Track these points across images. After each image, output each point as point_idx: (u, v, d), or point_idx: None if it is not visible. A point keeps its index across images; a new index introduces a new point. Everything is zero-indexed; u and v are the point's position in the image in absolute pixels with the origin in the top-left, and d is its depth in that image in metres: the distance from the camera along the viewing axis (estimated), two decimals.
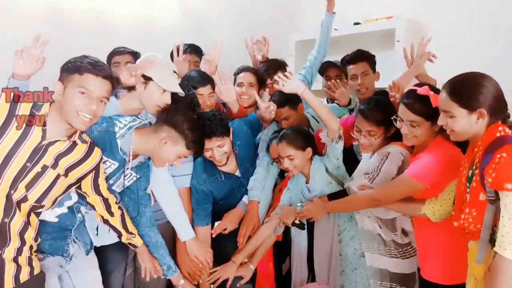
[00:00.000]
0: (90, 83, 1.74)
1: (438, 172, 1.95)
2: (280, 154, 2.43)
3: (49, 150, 1.73)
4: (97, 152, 1.91)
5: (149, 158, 2.26)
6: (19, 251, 1.73)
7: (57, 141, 1.76)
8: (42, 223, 1.89)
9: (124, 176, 2.18)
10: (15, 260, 1.72)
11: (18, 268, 1.73)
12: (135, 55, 2.85)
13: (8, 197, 1.67)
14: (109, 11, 3.22)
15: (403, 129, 2.04)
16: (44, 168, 1.73)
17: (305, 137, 2.46)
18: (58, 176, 1.78)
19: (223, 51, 2.90)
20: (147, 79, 2.18)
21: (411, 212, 2.08)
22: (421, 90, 1.98)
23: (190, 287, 2.42)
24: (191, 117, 2.20)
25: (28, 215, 1.76)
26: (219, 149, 2.39)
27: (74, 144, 1.82)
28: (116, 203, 2.12)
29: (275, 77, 2.39)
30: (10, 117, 1.67)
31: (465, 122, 1.68)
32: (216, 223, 2.56)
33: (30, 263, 1.78)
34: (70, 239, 2.09)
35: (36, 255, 1.85)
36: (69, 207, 2.06)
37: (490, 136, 1.64)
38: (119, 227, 2.15)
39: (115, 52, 2.87)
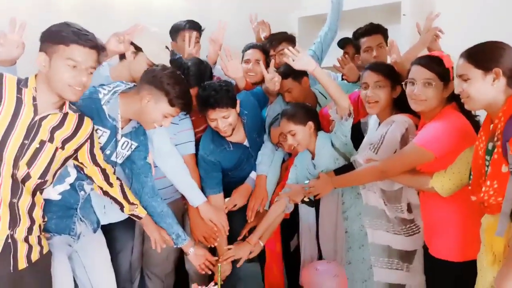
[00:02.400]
0: (78, 55, 1.69)
1: (447, 140, 1.92)
2: (283, 132, 2.42)
3: (43, 125, 1.71)
4: (88, 121, 1.89)
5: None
6: (30, 231, 1.74)
7: (49, 114, 1.74)
8: (47, 202, 1.89)
9: (122, 146, 2.14)
10: (26, 240, 1.73)
11: (29, 247, 1.74)
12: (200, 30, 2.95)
13: (13, 177, 1.67)
14: None
15: (416, 90, 2.00)
16: (42, 143, 1.71)
17: (306, 112, 2.45)
18: (56, 149, 1.76)
19: (226, 30, 2.85)
20: (137, 49, 2.16)
21: (419, 185, 2.05)
22: (435, 52, 2.01)
23: (201, 251, 2.40)
24: (170, 72, 2.11)
25: (33, 193, 1.76)
26: (224, 120, 2.37)
27: (66, 115, 1.79)
28: (113, 173, 2.10)
29: (285, 50, 2.35)
30: None
31: (480, 85, 1.65)
32: (226, 200, 2.57)
33: (39, 243, 1.79)
34: (76, 218, 2.09)
35: (43, 235, 1.85)
36: (71, 184, 2.04)
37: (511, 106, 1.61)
38: (120, 197, 2.13)
39: (184, 27, 2.95)
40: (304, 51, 2.35)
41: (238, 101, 2.43)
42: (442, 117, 1.97)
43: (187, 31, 2.95)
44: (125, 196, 2.15)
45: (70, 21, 1.75)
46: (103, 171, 2.04)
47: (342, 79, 3.01)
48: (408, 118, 2.18)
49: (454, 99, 1.97)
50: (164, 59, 2.21)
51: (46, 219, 1.90)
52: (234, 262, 2.50)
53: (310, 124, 2.41)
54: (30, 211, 1.74)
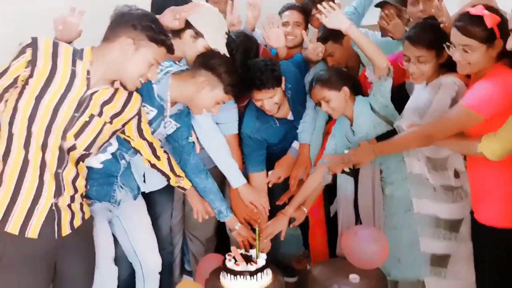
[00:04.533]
0: (161, 56, 1.78)
1: (496, 101, 1.79)
2: (317, 97, 2.34)
3: (94, 99, 1.73)
4: (136, 97, 1.89)
5: (187, 107, 2.22)
6: (72, 199, 1.78)
7: (100, 89, 1.75)
8: (88, 170, 1.93)
9: (164, 124, 2.16)
10: (69, 207, 1.77)
11: (72, 214, 1.78)
12: None
13: (60, 148, 1.69)
14: None
15: (456, 55, 1.88)
16: (91, 117, 1.73)
17: (339, 76, 2.35)
18: (104, 124, 1.78)
19: None
20: (198, 34, 2.13)
21: (467, 150, 1.93)
22: (474, 10, 1.81)
23: (246, 232, 2.43)
24: (227, 59, 2.13)
25: (77, 163, 1.79)
26: (270, 100, 2.33)
27: (116, 91, 1.80)
28: (161, 147, 2.13)
29: (319, 6, 2.25)
30: (54, 67, 1.64)
31: None
32: (269, 173, 2.55)
33: (81, 209, 1.84)
34: (117, 185, 2.14)
35: (85, 201, 1.90)
36: (112, 154, 2.08)
37: None
38: (167, 170, 2.17)
39: None
40: (339, 9, 2.23)
41: (283, 78, 2.36)
42: (491, 76, 1.83)
43: None
44: (171, 169, 2.18)
45: (153, 14, 1.82)
46: (150, 145, 2.06)
47: (382, 36, 2.88)
48: (458, 78, 2.03)
49: (506, 54, 1.81)
50: (223, 46, 2.16)
51: (88, 187, 1.94)
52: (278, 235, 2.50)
53: (345, 89, 2.31)
54: (74, 181, 1.78)
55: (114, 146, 2.07)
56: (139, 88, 1.84)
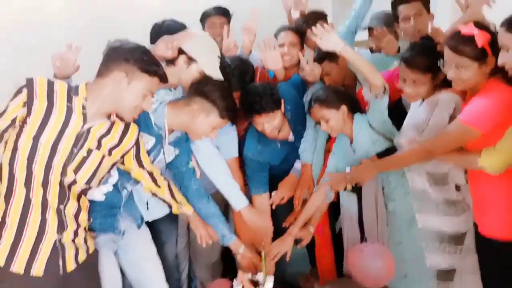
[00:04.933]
0: (155, 86, 1.79)
1: (494, 116, 1.81)
2: (316, 117, 2.35)
3: (92, 133, 1.74)
4: (133, 128, 1.91)
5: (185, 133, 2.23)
6: (76, 234, 1.78)
7: (97, 123, 1.76)
8: (91, 202, 1.93)
9: (164, 152, 2.17)
10: (73, 241, 1.77)
11: (76, 249, 1.78)
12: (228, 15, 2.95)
13: (61, 184, 1.70)
14: None
15: (449, 73, 1.91)
16: (90, 151, 1.74)
17: (337, 95, 2.34)
18: (103, 157, 1.79)
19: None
20: (191, 59, 2.15)
21: (468, 164, 1.96)
22: (465, 29, 1.84)
23: (251, 254, 2.41)
24: (221, 85, 2.14)
25: (79, 197, 1.79)
26: (270, 124, 2.33)
27: (113, 124, 1.82)
28: (161, 175, 2.13)
29: (313, 29, 2.26)
30: (50, 105, 1.66)
31: None
32: (273, 193, 2.55)
33: (86, 243, 1.84)
34: (120, 216, 2.14)
35: (89, 234, 1.90)
36: (113, 185, 2.08)
37: None
38: (168, 198, 2.17)
39: (210, 14, 2.93)
40: (332, 30, 2.25)
41: (282, 101, 2.37)
42: (486, 91, 1.86)
43: (214, 17, 2.92)
44: (173, 196, 2.18)
45: (144, 46, 1.82)
46: (150, 174, 2.06)
47: (372, 52, 2.89)
48: (454, 94, 2.06)
49: (500, 69, 1.83)
50: (217, 70, 2.18)
51: (91, 221, 1.93)
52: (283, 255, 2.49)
53: (343, 108, 2.32)
54: (76, 216, 1.78)
55: (114, 177, 2.08)
56: (136, 118, 1.85)
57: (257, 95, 2.27)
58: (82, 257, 1.80)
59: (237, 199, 2.46)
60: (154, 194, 2.14)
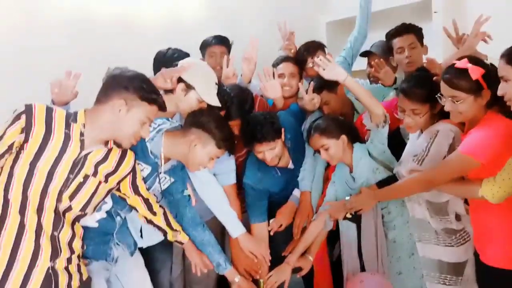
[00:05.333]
0: (153, 114, 1.81)
1: (493, 146, 1.83)
2: (315, 146, 2.36)
3: (88, 159, 1.74)
4: (130, 155, 1.91)
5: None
6: (69, 261, 1.75)
7: (94, 149, 1.76)
8: (84, 229, 1.90)
9: (159, 180, 2.16)
10: (66, 269, 1.74)
11: (70, 276, 1.75)
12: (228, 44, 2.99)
13: (56, 210, 1.69)
14: (134, 9, 3.20)
15: (447, 105, 1.94)
16: (86, 177, 1.74)
17: (337, 125, 2.37)
18: (99, 183, 1.79)
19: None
20: (189, 87, 2.17)
21: (468, 194, 1.96)
22: (459, 63, 1.88)
23: (246, 284, 2.38)
24: (217, 115, 2.16)
25: (73, 224, 1.78)
26: (270, 152, 2.34)
27: (110, 150, 1.82)
28: (157, 202, 2.12)
29: (315, 60, 2.32)
30: (48, 132, 1.66)
31: None
32: (271, 221, 2.54)
33: (79, 270, 1.81)
34: (113, 243, 2.10)
35: (82, 261, 1.87)
36: (107, 212, 2.06)
37: None
38: (163, 225, 2.16)
39: (210, 43, 2.96)
40: (335, 61, 2.30)
41: (282, 129, 2.39)
42: (485, 123, 1.89)
43: (214, 46, 2.95)
44: (168, 223, 2.17)
45: (144, 75, 1.82)
46: (146, 201, 2.06)
47: (370, 83, 2.94)
48: (453, 125, 2.08)
49: (497, 101, 1.87)
50: (215, 98, 2.20)
51: (85, 247, 1.91)
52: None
53: (343, 137, 2.34)
54: (70, 243, 1.76)
55: (108, 204, 2.05)
56: (134, 145, 1.85)
57: (258, 123, 2.29)
58: (75, 284, 1.77)
59: (234, 226, 2.44)
60: (149, 221, 2.12)
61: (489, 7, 3.04)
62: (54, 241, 1.69)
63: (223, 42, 3.00)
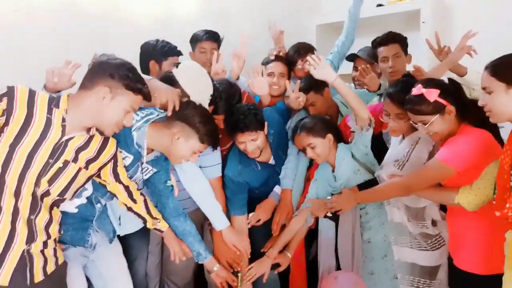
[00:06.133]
0: (138, 104, 1.79)
1: (470, 155, 1.88)
2: (302, 144, 2.40)
3: (69, 145, 1.71)
4: (112, 142, 1.90)
5: None
6: (45, 244, 1.73)
7: (76, 135, 1.74)
8: (63, 214, 1.88)
9: (142, 170, 2.15)
10: (42, 252, 1.72)
11: (45, 260, 1.73)
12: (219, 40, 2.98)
13: (33, 194, 1.66)
14: (126, 2, 3.19)
15: (420, 130, 2.04)
16: (66, 163, 1.72)
17: (324, 124, 2.42)
18: (79, 170, 1.77)
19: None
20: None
21: (445, 200, 2.02)
22: (415, 90, 1.98)
23: (225, 274, 2.41)
24: (202, 110, 2.15)
25: (51, 209, 1.76)
26: (252, 143, 2.36)
27: (91, 137, 1.80)
28: (137, 189, 2.11)
29: (308, 58, 2.35)
30: (29, 116, 1.63)
31: (503, 98, 1.63)
32: (250, 215, 2.56)
33: (55, 254, 1.79)
34: (92, 230, 2.09)
35: (59, 246, 1.85)
36: (87, 198, 2.05)
37: None
38: (144, 213, 2.15)
39: (201, 39, 2.95)
40: (323, 59, 2.33)
41: (266, 123, 2.41)
42: (462, 133, 1.96)
43: (205, 42, 2.96)
44: (148, 211, 2.16)
45: (131, 63, 1.80)
46: (127, 188, 2.05)
47: (355, 86, 2.98)
48: None
49: (469, 110, 1.97)
50: (206, 100, 2.21)
51: (62, 232, 1.89)
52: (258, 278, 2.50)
53: (330, 136, 2.39)
54: (47, 227, 1.74)
55: (89, 190, 2.04)
56: (117, 133, 1.83)
57: (241, 113, 2.31)
58: (50, 268, 1.75)
59: (219, 219, 2.46)
60: (129, 209, 2.12)
61: (476, 20, 3.16)
62: (31, 225, 1.67)
63: (214, 38, 3.01)
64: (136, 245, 2.46)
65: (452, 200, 1.92)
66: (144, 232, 2.41)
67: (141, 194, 2.14)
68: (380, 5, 3.74)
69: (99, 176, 1.94)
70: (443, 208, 2.17)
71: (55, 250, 1.79)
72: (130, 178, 2.09)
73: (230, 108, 2.40)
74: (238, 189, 2.51)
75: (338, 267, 2.47)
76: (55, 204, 1.76)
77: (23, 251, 1.65)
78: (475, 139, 1.90)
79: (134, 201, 2.09)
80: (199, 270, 2.61)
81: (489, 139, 1.91)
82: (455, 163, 1.90)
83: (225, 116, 2.38)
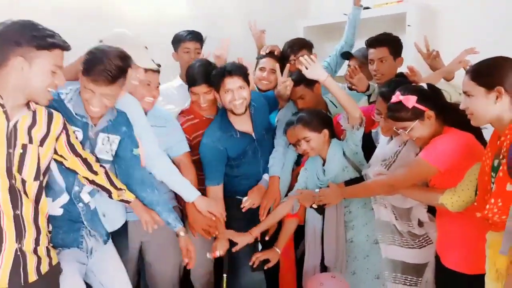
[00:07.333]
0: (59, 59, 1.68)
1: (452, 155, 1.94)
2: (297, 137, 2.43)
3: (19, 128, 1.67)
4: (57, 115, 1.85)
5: (121, 116, 2.16)
6: (37, 241, 1.72)
7: (21, 117, 1.70)
8: (51, 218, 1.87)
9: (102, 142, 2.10)
10: (35, 251, 1.71)
11: (39, 259, 1.72)
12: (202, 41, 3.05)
13: (10, 189, 1.64)
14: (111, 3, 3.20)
15: (403, 137, 2.10)
16: (24, 146, 1.68)
17: (321, 119, 2.47)
18: (38, 148, 1.74)
19: (231, 41, 2.92)
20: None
21: (429, 200, 2.06)
22: (393, 98, 2.04)
23: (186, 242, 2.31)
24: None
25: (36, 201, 1.73)
26: (239, 92, 2.43)
27: (35, 112, 1.75)
28: (96, 161, 2.05)
29: (300, 58, 2.39)
30: None
31: (484, 102, 1.67)
32: (244, 199, 2.59)
33: (48, 254, 1.78)
34: (85, 231, 2.08)
35: (52, 247, 1.84)
36: (70, 199, 2.03)
37: None
38: (107, 184, 2.09)
39: (185, 39, 3.00)
40: (318, 62, 2.37)
41: (251, 79, 2.52)
42: (446, 133, 2.02)
43: (188, 42, 3.00)
44: (111, 182, 2.10)
45: (32, 20, 1.66)
46: (84, 160, 1.99)
47: (350, 89, 3.03)
48: None
49: (448, 113, 2.03)
50: (147, 60, 2.26)
51: (50, 228, 1.87)
52: (240, 277, 2.52)
53: (325, 131, 2.44)
54: (35, 220, 1.72)
55: (60, 182, 2.01)
56: (51, 99, 1.74)
57: (230, 63, 2.50)
58: (44, 268, 1.74)
59: (189, 191, 2.46)
60: (91, 182, 2.04)
61: (462, 23, 3.22)
62: (18, 220, 1.65)
63: (198, 38, 3.05)
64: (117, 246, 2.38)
65: (435, 200, 1.97)
66: (123, 234, 2.37)
67: (101, 165, 2.07)
68: (366, 7, 3.77)
69: (56, 152, 1.87)
70: (431, 210, 2.20)
71: (48, 249, 1.78)
72: (92, 153, 2.06)
73: (208, 79, 2.51)
74: (214, 156, 2.53)
75: (323, 259, 2.50)
76: (39, 193, 1.74)
77: (16, 249, 1.64)
78: (458, 140, 1.96)
79: (95, 172, 2.02)
80: (185, 281, 2.63)
81: (472, 141, 1.96)
82: (437, 162, 1.95)
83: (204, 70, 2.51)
